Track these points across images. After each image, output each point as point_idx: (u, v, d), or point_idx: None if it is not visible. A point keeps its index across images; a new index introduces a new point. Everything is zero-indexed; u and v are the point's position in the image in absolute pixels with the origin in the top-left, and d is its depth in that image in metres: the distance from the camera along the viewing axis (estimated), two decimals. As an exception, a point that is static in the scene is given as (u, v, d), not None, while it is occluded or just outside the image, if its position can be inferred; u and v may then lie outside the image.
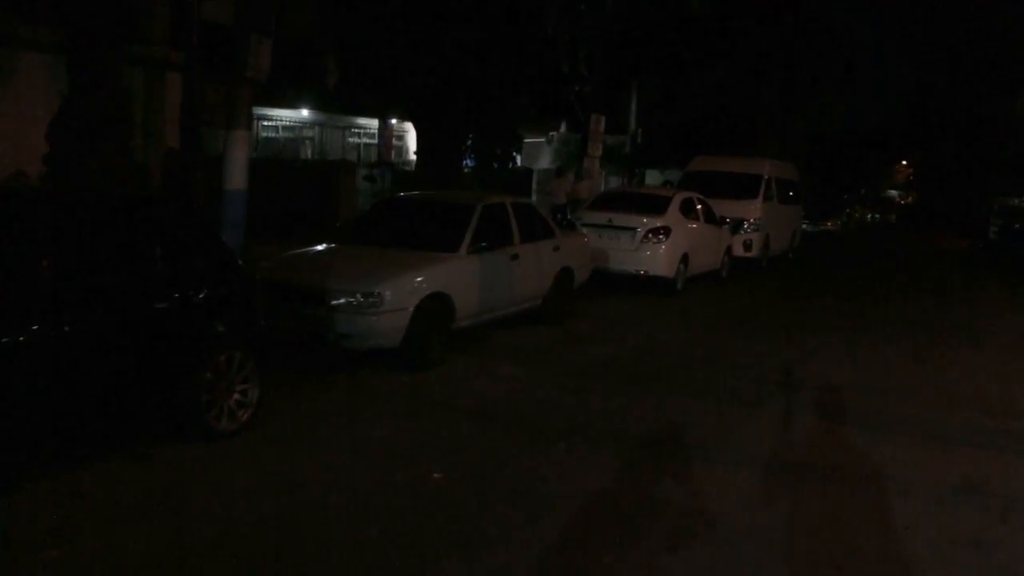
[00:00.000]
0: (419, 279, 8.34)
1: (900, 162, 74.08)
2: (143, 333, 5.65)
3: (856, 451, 6.53)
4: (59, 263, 5.13)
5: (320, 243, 9.64)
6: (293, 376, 7.78)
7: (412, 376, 8.08)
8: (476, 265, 9.06)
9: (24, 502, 4.85)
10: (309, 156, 23.36)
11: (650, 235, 13.53)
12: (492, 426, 6.75)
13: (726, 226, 16.91)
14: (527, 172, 25.30)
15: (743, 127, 33.28)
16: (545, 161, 29.96)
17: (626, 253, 13.54)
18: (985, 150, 52.74)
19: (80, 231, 5.44)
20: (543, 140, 31.07)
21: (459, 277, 8.81)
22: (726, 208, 17.57)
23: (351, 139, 25.37)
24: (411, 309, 8.10)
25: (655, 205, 14.26)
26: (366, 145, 25.52)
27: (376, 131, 24.52)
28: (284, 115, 22.51)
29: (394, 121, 23.89)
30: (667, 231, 13.61)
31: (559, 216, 16.36)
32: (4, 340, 4.69)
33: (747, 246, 18.16)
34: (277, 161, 19.71)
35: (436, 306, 8.45)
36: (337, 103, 22.32)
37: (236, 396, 6.26)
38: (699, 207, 15.39)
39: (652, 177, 34.78)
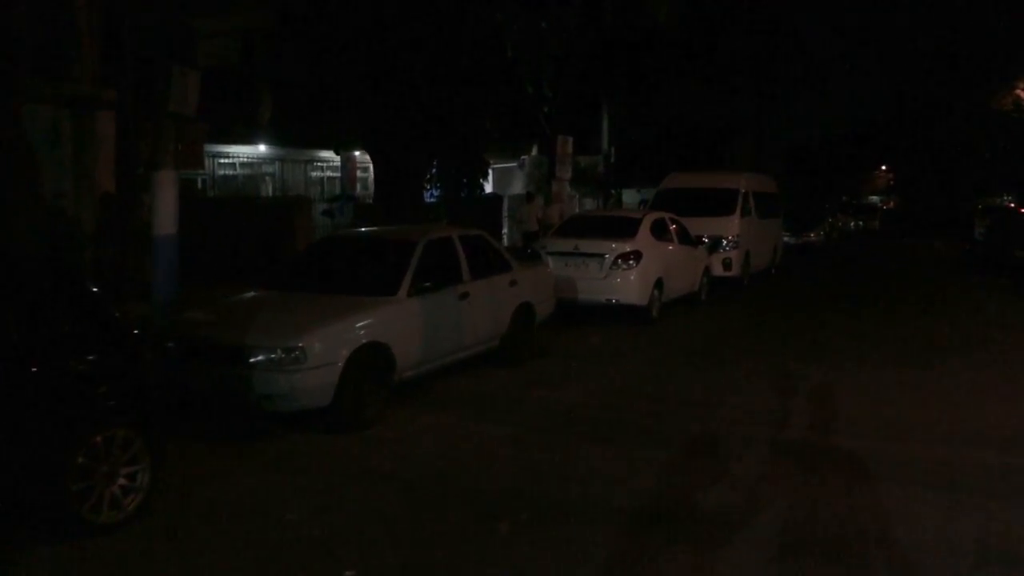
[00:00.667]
0: (350, 329, 7.41)
1: (880, 167, 73.81)
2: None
3: (861, 511, 5.57)
4: None
5: (252, 290, 8.73)
6: (204, 447, 6.83)
7: (345, 438, 7.13)
8: (418, 308, 8.13)
9: None
10: (270, 192, 22.44)
11: (619, 261, 12.63)
12: (429, 500, 5.81)
13: (703, 245, 16.08)
14: (497, 199, 24.42)
15: (719, 140, 32.67)
16: (518, 187, 29.12)
17: (595, 282, 12.63)
18: (965, 150, 52.40)
19: None
20: (514, 165, 30.26)
21: (399, 323, 7.89)
22: (702, 226, 16.77)
23: (314, 173, 24.46)
24: (341, 363, 7.17)
25: (624, 228, 13.38)
26: (330, 178, 24.61)
27: (339, 163, 23.62)
28: (241, 151, 21.60)
29: (357, 152, 23.01)
30: (638, 256, 12.72)
31: (530, 247, 15.48)
32: None
33: (726, 265, 17.32)
34: (229, 200, 18.76)
35: (372, 358, 7.52)
36: (298, 136, 21.45)
37: (121, 481, 5.32)
38: (672, 227, 14.54)
39: (629, 197, 34.06)
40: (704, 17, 27.19)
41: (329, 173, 24.59)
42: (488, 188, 30.75)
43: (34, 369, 5.01)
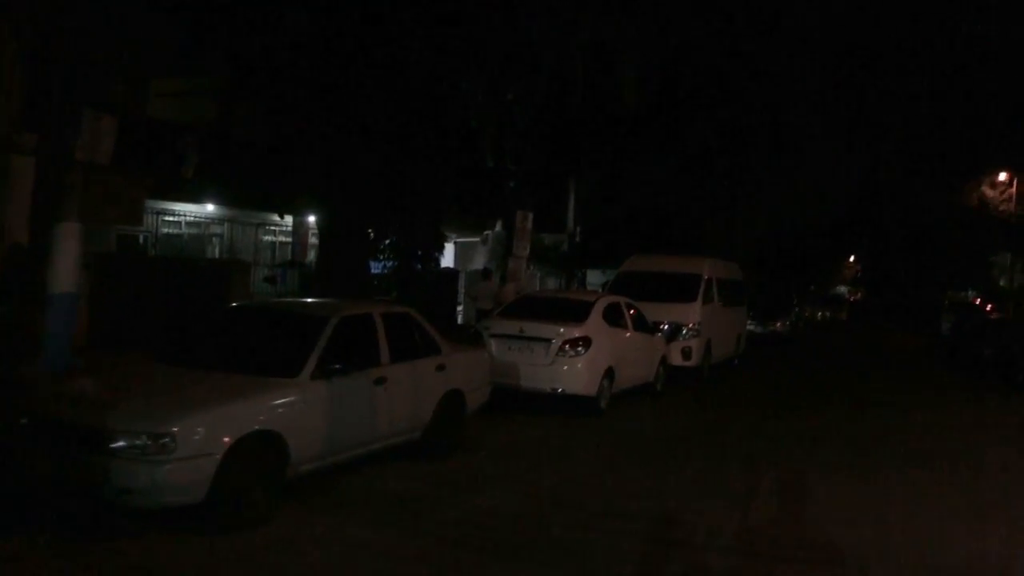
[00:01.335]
0: (235, 414, 6.39)
1: (848, 258, 74.14)
2: None
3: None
4: None
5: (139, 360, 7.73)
6: (47, 551, 5.73)
7: (220, 542, 6.05)
8: (323, 393, 7.12)
9: None
10: (216, 255, 21.42)
11: (567, 347, 11.71)
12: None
13: (661, 333, 15.24)
14: (453, 274, 23.52)
15: (687, 224, 32.16)
16: (480, 263, 28.31)
17: (539, 368, 11.68)
18: (932, 244, 52.60)
19: None
20: (477, 240, 29.51)
21: (297, 409, 6.87)
22: (662, 312, 16.00)
23: (266, 237, 23.48)
24: (220, 454, 6.14)
25: (574, 312, 12.49)
26: (282, 243, 23.62)
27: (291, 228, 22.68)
28: (188, 209, 20.63)
29: (312, 218, 22.13)
30: (587, 342, 11.81)
31: (473, 327, 14.55)
32: None
33: (686, 354, 16.48)
34: (162, 260, 17.72)
35: (261, 449, 6.50)
36: (248, 197, 20.55)
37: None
38: (628, 312, 13.69)
39: (594, 277, 33.31)
40: (674, 104, 26.94)
41: (281, 238, 23.60)
42: (449, 262, 29.98)
43: None
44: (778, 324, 32.01)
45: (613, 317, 13.02)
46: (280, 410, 6.71)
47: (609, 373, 12.29)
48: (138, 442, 5.91)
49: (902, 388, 18.41)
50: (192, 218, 21.05)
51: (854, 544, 6.81)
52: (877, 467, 9.84)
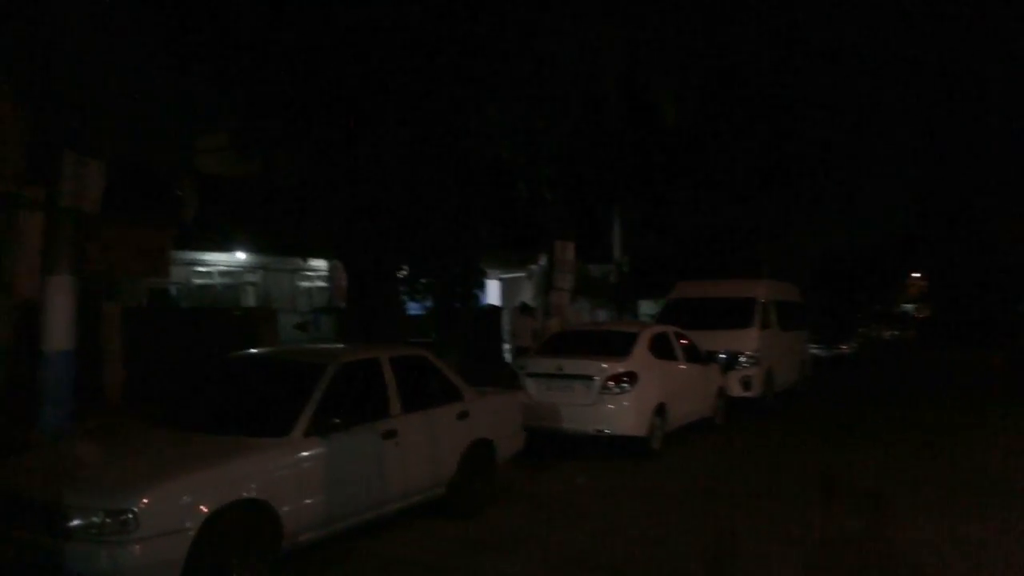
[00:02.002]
0: (210, 482, 5.50)
1: (912, 274, 71.60)
2: None
3: None
4: None
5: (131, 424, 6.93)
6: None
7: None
8: (321, 453, 6.19)
9: None
10: (252, 303, 20.83)
11: (611, 383, 10.64)
12: None
13: (717, 362, 14.11)
14: (495, 311, 22.53)
15: (741, 248, 30.87)
16: (527, 298, 27.39)
17: (582, 408, 10.64)
18: (1004, 257, 50.36)
19: None
20: (524, 275, 28.63)
21: (289, 473, 5.96)
22: (717, 340, 14.88)
23: (302, 283, 22.88)
24: (194, 531, 5.25)
25: (617, 345, 11.43)
26: (319, 289, 22.99)
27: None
28: (219, 259, 20.13)
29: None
30: (632, 377, 10.73)
31: (508, 366, 13.60)
32: None
33: (746, 384, 15.27)
34: (185, 311, 17.14)
35: (246, 520, 5.61)
36: (282, 243, 19.96)
37: None
38: (678, 343, 12.60)
39: (648, 308, 32.13)
40: (717, 120, 25.81)
41: (319, 283, 23.02)
42: (495, 299, 29.08)
43: None
44: (844, 346, 30.51)
45: (661, 348, 11.93)
46: (268, 475, 5.80)
47: (660, 410, 11.19)
48: (95, 520, 5.08)
49: (990, 411, 16.80)
50: (224, 267, 20.55)
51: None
52: (969, 505, 8.57)
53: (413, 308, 19.74)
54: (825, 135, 32.63)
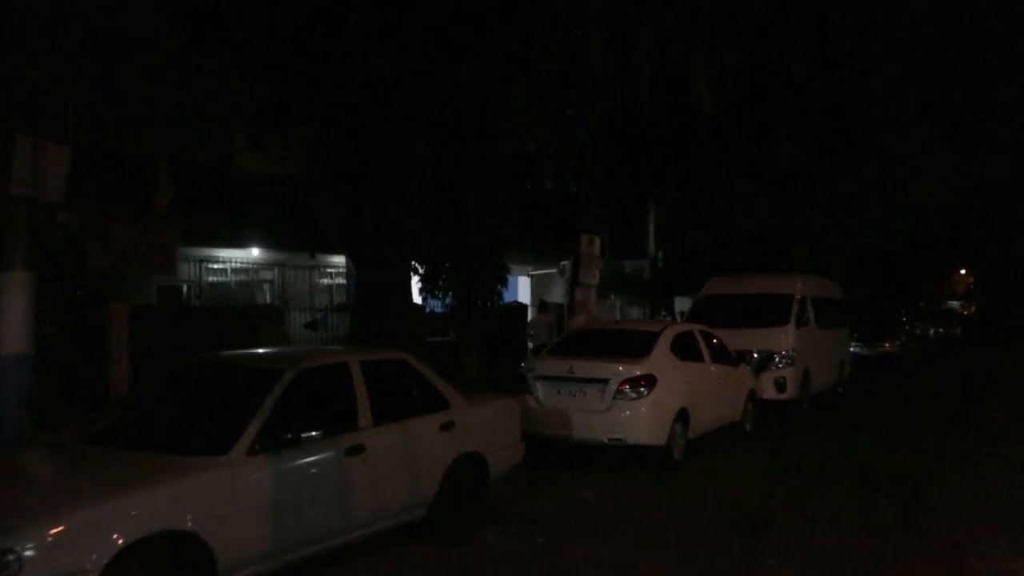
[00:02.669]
0: (119, 514, 4.63)
1: (958, 271, 69.47)
2: None
3: None
4: None
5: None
6: None
7: None
8: (266, 474, 5.34)
9: None
10: (267, 301, 20.12)
11: (627, 387, 9.69)
12: None
13: (748, 363, 13.10)
14: (518, 308, 21.58)
15: (780, 243, 29.63)
16: (558, 295, 26.42)
17: (594, 415, 9.70)
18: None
19: None
20: (555, 271, 27.65)
21: (225, 498, 5.10)
22: (750, 339, 13.98)
23: (323, 280, 22.14)
24: (97, 571, 4.42)
25: (635, 345, 10.47)
26: (339, 286, 22.24)
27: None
28: (233, 255, 19.46)
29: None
30: (651, 380, 9.77)
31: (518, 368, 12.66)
32: None
33: (780, 386, 14.27)
34: (199, 311, 16.42)
35: (166, 558, 4.76)
36: (301, 239, 19.24)
37: None
38: (703, 342, 11.61)
39: (683, 305, 31.06)
40: (756, 108, 24.59)
41: (339, 280, 22.27)
42: (524, 297, 28.16)
43: None
44: (886, 344, 29.23)
45: (684, 349, 10.94)
46: (195, 502, 4.94)
47: (682, 416, 10.22)
48: (-23, 561, 4.26)
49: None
50: (238, 264, 19.88)
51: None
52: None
53: (435, 306, 18.94)
54: (868, 123, 31.23)
